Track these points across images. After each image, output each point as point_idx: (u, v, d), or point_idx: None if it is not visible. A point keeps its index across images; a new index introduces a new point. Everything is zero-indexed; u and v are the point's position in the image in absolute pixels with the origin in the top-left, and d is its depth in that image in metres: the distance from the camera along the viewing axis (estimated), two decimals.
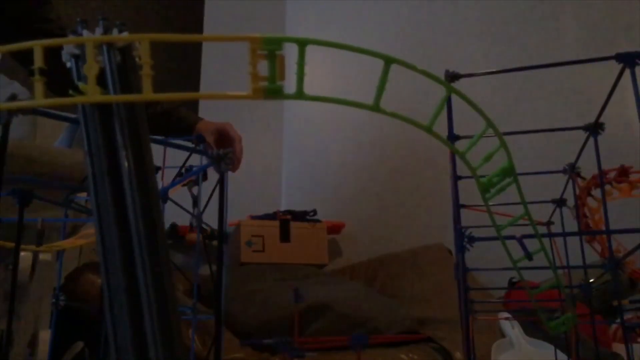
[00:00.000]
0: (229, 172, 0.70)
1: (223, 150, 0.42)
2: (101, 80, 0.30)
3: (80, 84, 0.29)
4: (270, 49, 0.24)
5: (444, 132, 0.50)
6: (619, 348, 1.12)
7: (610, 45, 1.64)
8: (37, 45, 0.24)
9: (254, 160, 2.27)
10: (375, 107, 0.26)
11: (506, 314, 1.15)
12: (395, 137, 2.02)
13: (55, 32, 1.05)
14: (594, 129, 0.53)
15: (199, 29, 2.26)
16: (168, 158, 0.73)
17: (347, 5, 2.30)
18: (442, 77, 0.50)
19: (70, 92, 0.29)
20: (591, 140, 0.53)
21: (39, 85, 0.24)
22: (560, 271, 0.77)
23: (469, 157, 0.32)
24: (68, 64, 0.31)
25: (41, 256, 0.91)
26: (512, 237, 0.41)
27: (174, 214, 0.73)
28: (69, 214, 0.70)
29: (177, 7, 2.24)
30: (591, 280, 1.08)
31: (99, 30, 0.31)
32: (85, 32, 0.31)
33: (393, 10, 2.16)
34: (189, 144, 0.80)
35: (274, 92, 0.25)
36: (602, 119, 0.52)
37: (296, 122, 2.44)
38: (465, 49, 1.96)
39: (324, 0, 2.41)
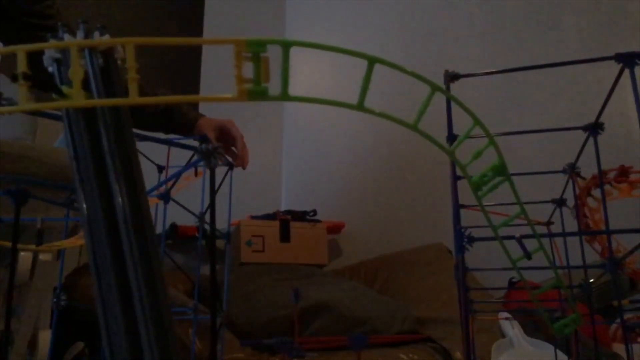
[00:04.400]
0: (234, 170, 0.70)
1: (212, 145, 0.42)
2: (84, 84, 0.30)
3: (64, 88, 0.29)
4: (254, 51, 0.25)
5: (444, 132, 0.50)
6: (619, 348, 1.12)
7: (610, 45, 1.64)
8: (20, 50, 0.24)
9: (254, 160, 2.27)
10: (360, 107, 0.27)
11: (506, 314, 1.15)
12: (395, 137, 2.03)
13: (55, 28, 1.05)
14: (594, 129, 0.53)
15: (199, 29, 2.27)
16: (173, 158, 0.73)
17: (348, 5, 2.30)
18: (442, 77, 0.50)
19: (54, 96, 0.29)
20: (591, 140, 0.53)
21: (23, 90, 0.24)
22: (560, 271, 0.77)
23: (465, 157, 0.32)
24: (50, 69, 0.31)
25: (41, 256, 0.91)
26: (511, 237, 0.41)
27: (176, 214, 0.73)
28: (68, 214, 0.70)
29: (177, 7, 2.24)
30: (591, 280, 1.08)
31: (80, 34, 0.31)
32: (66, 36, 0.31)
33: (394, 10, 2.16)
34: (194, 144, 0.80)
35: (258, 93, 0.25)
36: (602, 119, 0.52)
37: (296, 122, 2.44)
38: (465, 49, 1.96)
39: (325, 0, 2.41)
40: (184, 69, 2.19)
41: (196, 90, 2.20)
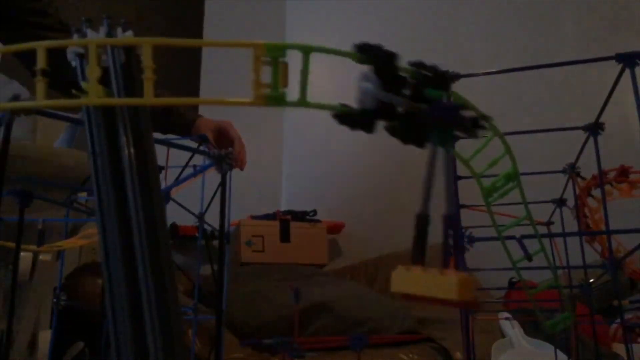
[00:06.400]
0: (233, 171, 0.70)
1: (224, 151, 0.42)
2: (105, 79, 0.30)
3: (84, 84, 0.29)
4: (273, 55, 0.24)
5: None
6: (619, 348, 1.12)
7: (610, 45, 1.64)
8: (41, 47, 0.24)
9: (254, 160, 2.27)
10: None
11: (506, 314, 1.15)
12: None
13: (54, 26, 1.05)
14: (594, 129, 0.53)
15: (199, 29, 2.26)
16: (172, 157, 0.73)
17: (347, 6, 2.30)
18: None
19: (74, 91, 0.29)
20: (591, 140, 0.53)
21: (40, 86, 0.24)
22: (560, 271, 0.77)
23: (472, 159, 0.32)
24: (73, 63, 0.31)
25: (41, 256, 0.91)
26: (512, 237, 0.41)
27: (176, 214, 0.73)
28: (69, 214, 0.70)
29: (176, 7, 2.24)
30: (591, 280, 1.08)
31: (103, 30, 0.31)
32: (89, 32, 0.31)
33: (393, 11, 2.16)
34: (192, 144, 0.80)
35: (276, 99, 0.24)
36: (602, 119, 0.52)
37: (296, 122, 2.44)
38: (465, 49, 1.96)
39: (324, 1, 2.41)
40: (184, 69, 2.19)
41: (196, 91, 2.20)
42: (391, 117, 0.25)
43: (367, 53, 0.25)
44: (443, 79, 0.25)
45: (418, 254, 0.25)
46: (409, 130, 0.25)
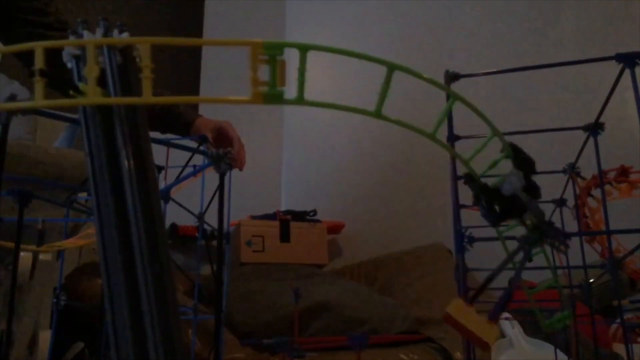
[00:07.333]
0: (233, 171, 0.70)
1: (222, 150, 0.42)
2: (101, 80, 0.30)
3: (81, 85, 0.29)
4: (271, 53, 0.24)
5: (443, 132, 0.50)
6: (619, 348, 1.12)
7: (610, 45, 1.64)
8: (39, 47, 0.24)
9: (254, 160, 2.27)
10: (378, 114, 0.26)
11: (506, 314, 1.15)
12: (395, 136, 2.03)
13: (54, 25, 1.05)
14: (594, 129, 0.53)
15: (199, 29, 2.26)
16: (172, 157, 0.73)
17: (347, 6, 2.30)
18: (442, 77, 0.50)
19: (71, 92, 0.29)
20: (591, 140, 0.53)
21: (39, 86, 0.24)
22: (560, 271, 0.77)
23: (472, 160, 0.32)
24: (69, 65, 0.31)
25: (41, 256, 0.91)
26: (512, 238, 0.40)
27: (176, 214, 0.73)
28: (69, 214, 0.70)
29: (176, 6, 2.24)
30: (591, 280, 1.08)
31: (99, 31, 0.31)
32: (85, 33, 0.31)
33: (393, 10, 2.16)
34: (192, 144, 0.80)
35: (274, 97, 0.25)
36: (602, 119, 0.52)
37: (296, 122, 2.44)
38: (465, 49, 1.96)
39: (324, 1, 2.41)
40: (184, 68, 2.19)
41: (196, 91, 2.20)
42: (508, 206, 0.30)
43: (520, 158, 0.30)
44: (537, 191, 0.30)
45: (474, 299, 0.31)
46: (504, 215, 0.31)
